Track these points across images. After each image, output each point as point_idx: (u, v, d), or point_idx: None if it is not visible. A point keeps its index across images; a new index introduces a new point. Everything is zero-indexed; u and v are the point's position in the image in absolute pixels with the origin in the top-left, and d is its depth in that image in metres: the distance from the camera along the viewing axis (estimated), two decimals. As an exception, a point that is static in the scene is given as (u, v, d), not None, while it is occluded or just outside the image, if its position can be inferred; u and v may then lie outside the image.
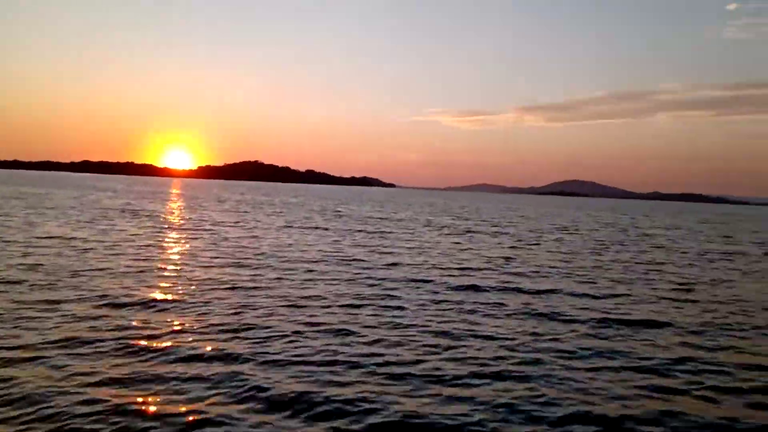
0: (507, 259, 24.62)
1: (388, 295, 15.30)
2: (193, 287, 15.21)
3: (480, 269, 20.98)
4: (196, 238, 27.02)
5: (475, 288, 16.96)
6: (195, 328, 11.33)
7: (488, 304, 14.87)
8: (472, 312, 13.81)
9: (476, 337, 11.57)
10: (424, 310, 13.83)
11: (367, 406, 7.91)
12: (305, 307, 13.56)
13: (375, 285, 16.75)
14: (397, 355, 10.13)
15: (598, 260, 25.74)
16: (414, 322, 12.49)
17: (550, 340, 11.62)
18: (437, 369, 9.51)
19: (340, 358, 9.85)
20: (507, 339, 11.51)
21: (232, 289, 15.23)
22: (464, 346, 10.91)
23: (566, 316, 13.80)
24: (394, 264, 21.20)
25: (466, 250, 27.70)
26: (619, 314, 14.23)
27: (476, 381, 9.03)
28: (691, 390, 9.07)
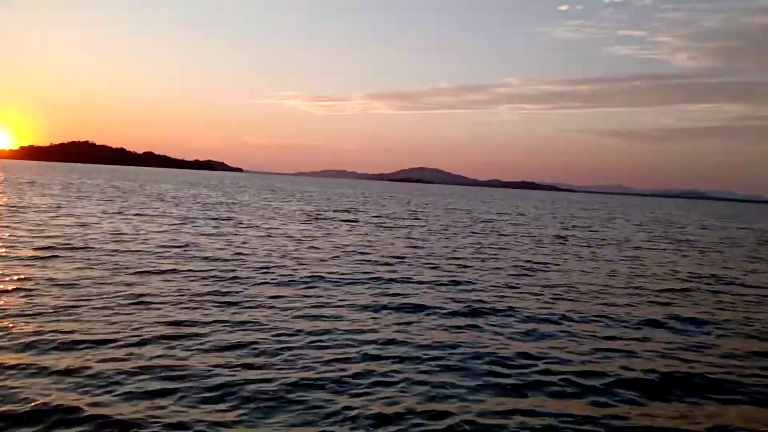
0: (360, 246, 24.38)
1: (233, 291, 14.23)
2: (4, 284, 13.14)
3: (333, 258, 20.46)
4: (11, 227, 23.83)
5: (326, 279, 16.38)
6: (4, 334, 9.64)
7: (340, 297, 14.34)
8: (323, 306, 13.19)
9: (327, 335, 10.97)
10: (272, 305, 12.99)
11: (196, 427, 7.01)
12: (137, 306, 12.17)
13: (219, 279, 15.57)
14: (237, 362, 9.23)
15: (447, 246, 26.28)
16: (260, 321, 11.63)
17: (402, 332, 11.32)
18: (280, 376, 8.76)
19: (173, 364, 8.79)
20: (361, 333, 11.04)
21: (54, 287, 13.37)
22: (313, 345, 10.25)
23: (419, 306, 13.63)
24: (240, 254, 20.03)
25: (317, 237, 27.09)
26: (469, 303, 14.34)
27: (317, 389, 8.32)
28: (540, 384, 9.09)
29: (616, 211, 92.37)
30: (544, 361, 10.09)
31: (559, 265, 22.43)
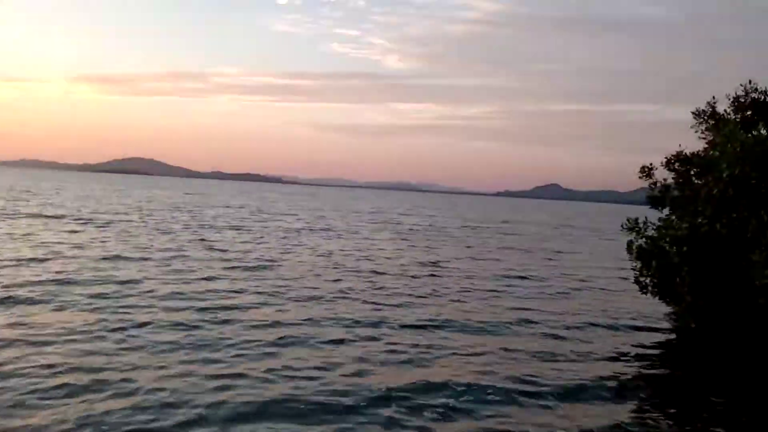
0: (67, 247, 21.10)
1: None
2: None
3: (30, 263, 17.20)
4: None
5: (26, 295, 13.46)
6: None
7: (48, 318, 11.83)
8: (25, 328, 10.80)
9: (32, 369, 8.90)
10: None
11: None
12: None
13: None
14: None
15: (170, 246, 24.08)
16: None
17: (121, 356, 9.77)
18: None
19: None
20: (75, 362, 9.19)
21: None
22: (17, 389, 8.20)
23: (143, 323, 11.84)
24: None
25: (12, 239, 22.73)
26: (197, 309, 13.18)
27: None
28: (274, 404, 8.48)
29: (342, 203, 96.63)
30: (275, 373, 9.34)
31: (291, 260, 22.11)
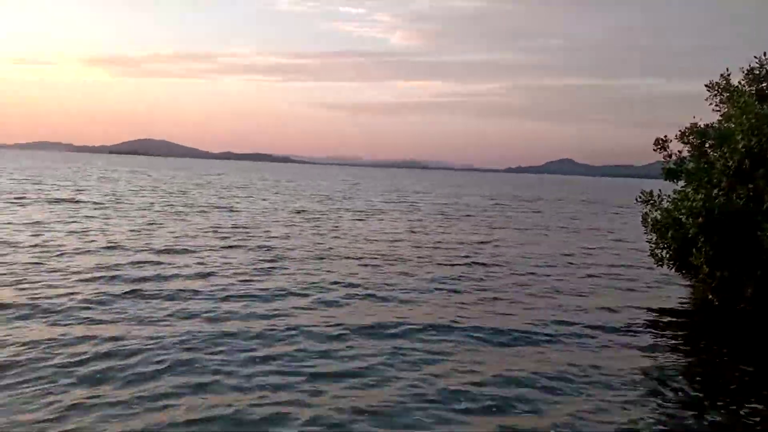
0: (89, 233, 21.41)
1: None
2: None
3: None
4: None
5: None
6: None
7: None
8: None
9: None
10: None
11: None
12: None
13: None
14: None
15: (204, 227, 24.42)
16: None
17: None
18: None
19: None
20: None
21: None
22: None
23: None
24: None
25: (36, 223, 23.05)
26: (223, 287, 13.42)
27: None
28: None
29: (359, 183, 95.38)
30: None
31: (291, 238, 22.22)
